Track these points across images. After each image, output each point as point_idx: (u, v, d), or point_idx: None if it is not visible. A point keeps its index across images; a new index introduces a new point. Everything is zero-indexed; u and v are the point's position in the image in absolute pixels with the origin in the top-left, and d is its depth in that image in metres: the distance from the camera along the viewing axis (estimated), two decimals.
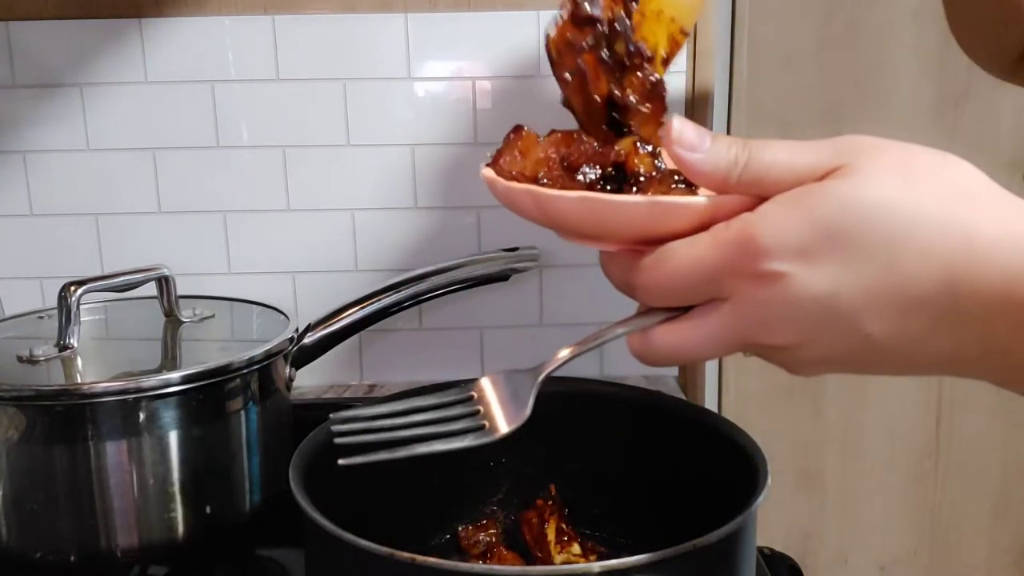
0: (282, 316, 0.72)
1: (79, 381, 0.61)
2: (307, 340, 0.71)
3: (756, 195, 0.35)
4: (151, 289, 0.70)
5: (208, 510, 0.63)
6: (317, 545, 0.48)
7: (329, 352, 0.72)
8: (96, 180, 0.89)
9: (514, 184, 0.38)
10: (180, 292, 0.71)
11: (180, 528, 0.62)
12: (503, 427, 0.43)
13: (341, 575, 0.47)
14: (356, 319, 0.72)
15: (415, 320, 0.92)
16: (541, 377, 0.43)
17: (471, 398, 0.45)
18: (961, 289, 0.33)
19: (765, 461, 0.52)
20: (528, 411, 0.42)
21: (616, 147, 0.39)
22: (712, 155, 0.35)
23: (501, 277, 0.77)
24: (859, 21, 1.06)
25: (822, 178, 0.34)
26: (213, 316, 0.72)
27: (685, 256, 0.35)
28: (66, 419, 0.58)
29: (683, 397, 0.90)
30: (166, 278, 0.70)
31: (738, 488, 0.50)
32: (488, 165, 0.41)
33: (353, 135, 0.89)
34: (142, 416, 0.59)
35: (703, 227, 0.35)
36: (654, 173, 0.38)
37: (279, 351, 0.66)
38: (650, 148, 0.38)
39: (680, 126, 0.36)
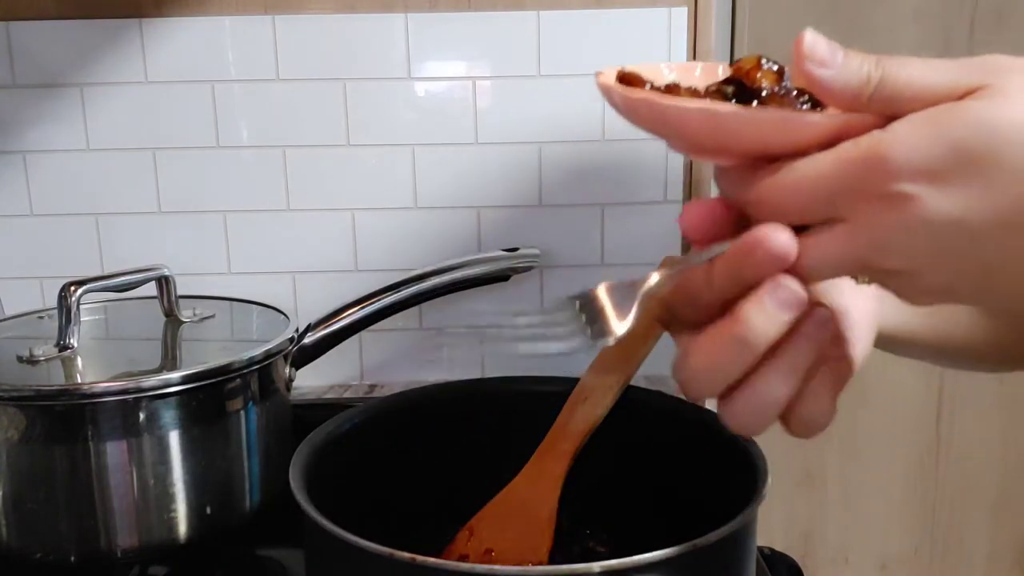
0: (282, 316, 0.72)
1: (79, 381, 0.61)
2: (307, 340, 0.71)
3: (889, 115, 0.33)
4: (151, 289, 0.70)
5: (208, 510, 0.63)
6: (317, 545, 0.48)
7: (329, 352, 0.72)
8: (96, 180, 0.89)
9: (632, 91, 0.36)
10: (180, 292, 0.71)
11: (180, 528, 0.62)
12: (616, 330, 0.40)
13: (341, 575, 0.47)
14: (356, 319, 0.72)
15: (415, 320, 0.92)
16: (641, 290, 0.40)
17: (578, 307, 0.44)
18: None
19: (765, 461, 0.52)
20: (632, 319, 0.40)
21: (737, 62, 0.38)
22: (844, 71, 0.33)
23: (501, 277, 0.77)
24: (859, 21, 1.06)
25: (961, 98, 0.32)
26: (213, 316, 0.72)
27: (807, 172, 0.34)
28: (66, 419, 0.58)
29: (683, 397, 0.90)
30: (166, 278, 0.70)
31: (738, 488, 0.50)
32: (601, 72, 0.39)
33: (353, 135, 0.89)
34: (142, 416, 0.59)
35: (829, 146, 0.34)
36: (777, 89, 0.36)
37: (279, 351, 0.67)
38: (775, 66, 0.37)
39: (812, 39, 0.34)
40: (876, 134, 0.33)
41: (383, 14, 0.87)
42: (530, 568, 0.54)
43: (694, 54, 0.89)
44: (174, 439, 0.60)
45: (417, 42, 0.88)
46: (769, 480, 0.50)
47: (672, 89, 0.37)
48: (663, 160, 0.90)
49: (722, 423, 0.40)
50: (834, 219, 0.34)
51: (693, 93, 0.37)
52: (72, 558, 0.60)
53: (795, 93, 0.37)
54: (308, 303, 0.89)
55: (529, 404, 0.64)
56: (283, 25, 0.87)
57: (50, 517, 0.59)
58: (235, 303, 0.76)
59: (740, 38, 1.06)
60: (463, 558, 0.58)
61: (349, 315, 0.72)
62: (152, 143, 0.89)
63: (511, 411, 0.65)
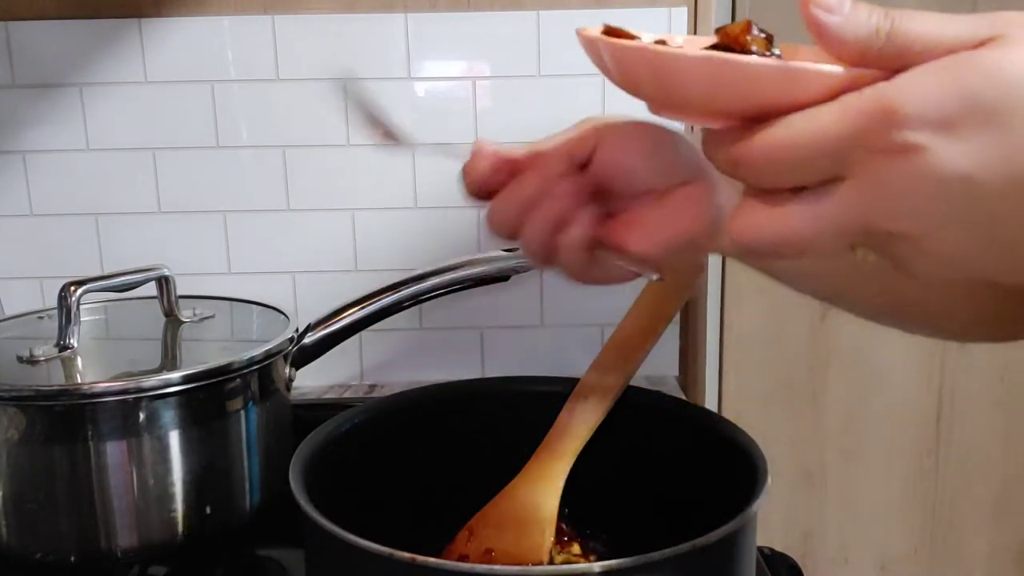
0: (282, 316, 0.72)
1: (79, 381, 0.61)
2: (307, 340, 0.71)
3: (897, 71, 0.31)
4: (151, 289, 0.70)
5: (208, 510, 0.63)
6: (317, 545, 0.48)
7: (329, 352, 0.72)
8: (96, 180, 0.89)
9: (626, 41, 0.34)
10: (180, 292, 0.71)
11: (180, 528, 0.62)
12: None
13: (341, 575, 0.47)
14: (356, 319, 0.72)
15: (415, 320, 0.92)
16: None
17: None
18: None
19: (765, 461, 0.52)
20: None
21: (724, 28, 0.36)
22: (852, 20, 0.31)
23: (501, 277, 0.76)
24: None
25: (975, 48, 0.31)
26: (213, 316, 0.72)
27: (806, 125, 0.31)
28: (66, 419, 0.58)
29: (683, 397, 0.90)
30: (166, 278, 0.70)
31: (738, 488, 0.50)
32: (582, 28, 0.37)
33: (353, 135, 0.89)
34: (142, 416, 0.59)
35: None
36: (768, 54, 0.34)
37: (279, 351, 0.67)
38: (764, 33, 0.35)
39: None
40: (882, 84, 0.31)
41: (383, 14, 0.87)
42: (530, 568, 0.54)
43: None
44: (174, 439, 0.60)
45: (417, 42, 0.88)
46: (769, 480, 0.50)
47: (659, 42, 0.36)
48: None
49: None
50: (835, 177, 0.32)
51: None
52: (72, 558, 0.60)
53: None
54: (308, 303, 0.89)
55: (529, 404, 0.64)
56: (283, 25, 0.87)
57: (50, 517, 0.59)
58: (235, 303, 0.76)
59: None
60: (463, 558, 0.58)
61: (349, 315, 0.72)
62: (152, 143, 0.89)
63: (511, 411, 0.65)
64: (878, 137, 0.30)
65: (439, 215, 0.91)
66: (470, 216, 0.91)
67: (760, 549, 0.62)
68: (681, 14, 0.87)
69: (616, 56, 0.35)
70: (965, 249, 0.32)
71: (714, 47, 0.35)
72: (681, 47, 0.38)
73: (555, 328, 0.92)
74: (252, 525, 0.66)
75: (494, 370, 0.93)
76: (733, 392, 1.13)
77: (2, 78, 0.87)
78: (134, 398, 0.59)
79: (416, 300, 0.73)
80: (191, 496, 0.61)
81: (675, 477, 0.60)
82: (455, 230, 0.91)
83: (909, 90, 0.30)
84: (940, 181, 0.30)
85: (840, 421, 1.15)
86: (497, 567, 0.50)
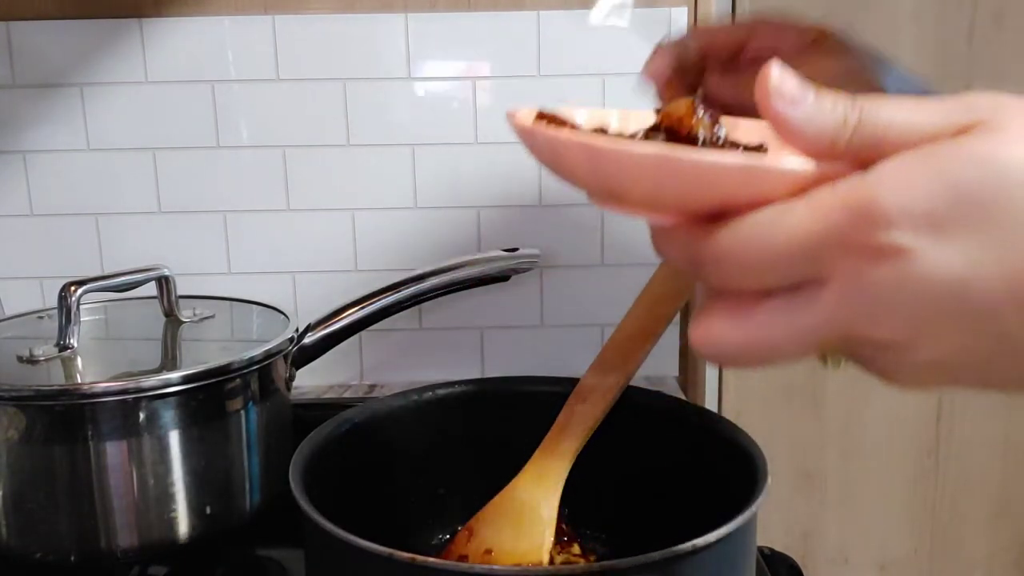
0: (282, 316, 0.72)
1: (79, 381, 0.61)
2: (307, 340, 0.71)
3: (866, 164, 0.28)
4: (151, 289, 0.70)
5: (208, 510, 0.63)
6: (317, 545, 0.48)
7: (329, 352, 0.72)
8: (96, 180, 0.89)
9: (563, 133, 0.30)
10: (180, 292, 0.71)
11: (180, 528, 0.62)
12: None
13: (341, 575, 0.47)
14: (356, 319, 0.72)
15: (415, 320, 0.92)
16: None
17: None
18: None
19: (765, 461, 0.52)
20: None
21: (666, 108, 0.33)
22: (817, 112, 0.28)
23: (501, 277, 0.76)
24: (858, 22, 1.06)
25: (953, 136, 0.28)
26: (213, 316, 0.72)
27: (777, 225, 0.28)
28: (66, 419, 0.58)
29: (683, 397, 0.90)
30: (166, 278, 0.70)
31: (738, 488, 0.50)
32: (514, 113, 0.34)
33: (353, 135, 0.89)
34: (142, 416, 0.59)
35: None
36: (713, 139, 0.31)
37: (279, 351, 0.67)
38: (709, 114, 0.32)
39: (780, 74, 0.28)
40: (859, 177, 0.27)
41: (383, 14, 0.87)
42: (530, 568, 0.54)
43: None
44: (174, 439, 0.60)
45: (417, 42, 0.88)
46: (769, 480, 0.50)
47: (598, 131, 0.32)
48: None
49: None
50: (810, 280, 0.28)
51: (630, 139, 0.32)
52: (72, 558, 0.60)
53: (736, 146, 0.32)
54: (308, 303, 0.89)
55: (529, 404, 0.64)
56: (283, 25, 0.87)
57: (50, 517, 0.59)
58: (235, 303, 0.76)
59: None
60: (463, 558, 0.58)
61: (349, 315, 0.72)
62: (152, 143, 0.89)
63: (511, 411, 0.65)
64: (858, 238, 0.27)
65: (439, 215, 0.91)
66: (470, 216, 0.91)
67: (760, 549, 0.62)
68: (681, 14, 0.87)
69: (553, 149, 0.31)
70: (959, 357, 0.29)
71: (655, 128, 0.32)
72: (620, 133, 0.36)
73: (555, 328, 0.92)
74: (252, 525, 0.66)
75: (494, 370, 0.93)
76: (733, 392, 1.13)
77: (2, 78, 0.87)
78: (134, 398, 0.59)
79: (416, 300, 0.73)
80: (191, 496, 0.61)
81: (675, 477, 0.60)
82: (455, 230, 0.91)
83: (890, 184, 0.27)
84: (929, 286, 0.27)
85: (840, 421, 1.15)
86: (497, 567, 0.50)
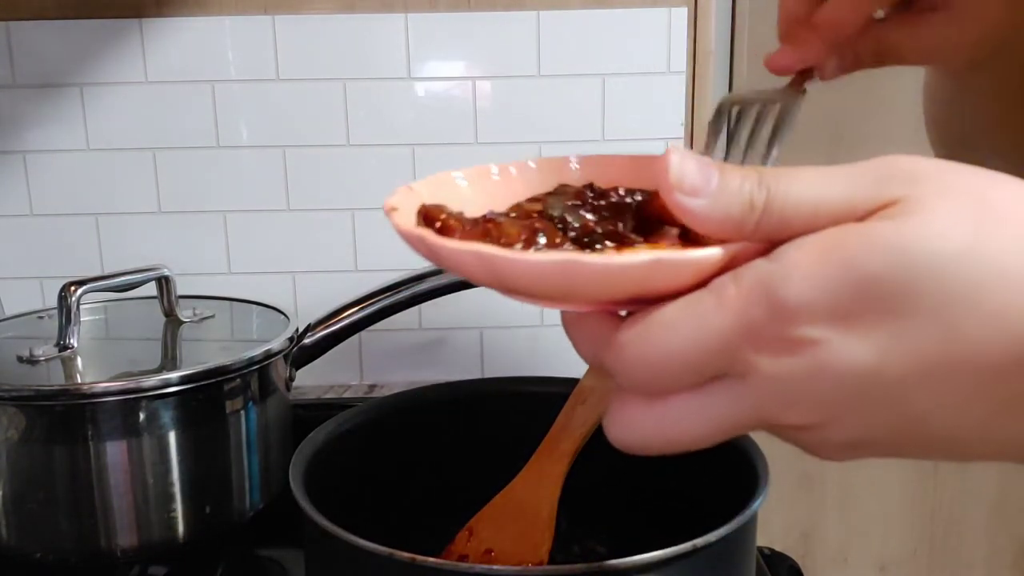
0: (282, 316, 0.72)
1: (79, 381, 0.61)
2: (307, 340, 0.71)
3: (778, 242, 0.27)
4: (151, 289, 0.70)
5: (208, 510, 0.63)
6: (317, 545, 0.48)
7: (329, 352, 0.72)
8: (96, 180, 0.89)
9: (453, 244, 0.29)
10: (180, 292, 0.71)
11: (180, 528, 0.62)
12: None
13: (341, 575, 0.47)
14: (356, 319, 0.72)
15: (415, 320, 0.92)
16: None
17: None
18: None
19: (765, 461, 0.52)
20: None
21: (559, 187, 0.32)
22: (722, 199, 0.27)
23: None
24: None
25: (864, 217, 0.27)
26: (213, 316, 0.72)
27: (685, 326, 0.27)
28: (66, 419, 0.58)
29: None
30: (166, 278, 0.70)
31: (738, 488, 0.50)
32: (394, 208, 0.33)
33: (353, 135, 0.89)
34: (142, 416, 0.59)
35: (707, 281, 0.28)
36: (593, 231, 0.31)
37: (279, 351, 0.67)
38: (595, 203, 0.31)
39: (680, 163, 0.27)
40: (761, 266, 0.27)
41: (383, 14, 0.87)
42: (530, 568, 0.54)
43: (694, 54, 0.89)
44: (174, 439, 0.60)
45: (417, 42, 0.88)
46: (769, 480, 0.50)
47: (488, 223, 0.31)
48: None
49: None
50: (721, 375, 0.28)
51: (523, 226, 0.31)
52: (72, 558, 0.60)
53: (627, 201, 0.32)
54: (308, 303, 0.89)
55: (529, 404, 0.64)
56: (283, 25, 0.87)
57: (50, 517, 0.59)
58: (235, 303, 0.76)
59: (740, 38, 1.06)
60: (463, 558, 0.58)
61: (349, 315, 0.72)
62: (152, 143, 0.89)
63: (511, 411, 0.65)
64: (766, 333, 0.26)
65: None
66: None
67: (760, 549, 0.62)
68: (681, 14, 0.87)
69: (446, 260, 0.30)
70: (877, 434, 0.28)
71: (554, 193, 0.32)
72: (496, 184, 0.36)
73: (555, 328, 0.92)
74: (252, 525, 0.66)
75: (494, 370, 0.93)
76: None
77: (2, 78, 0.87)
78: (134, 398, 0.59)
79: (416, 300, 0.73)
80: (191, 496, 0.61)
81: (675, 477, 0.60)
82: None
83: (793, 276, 0.26)
84: (840, 376, 0.26)
85: None
86: (497, 567, 0.50)
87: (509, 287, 0.29)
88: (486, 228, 0.30)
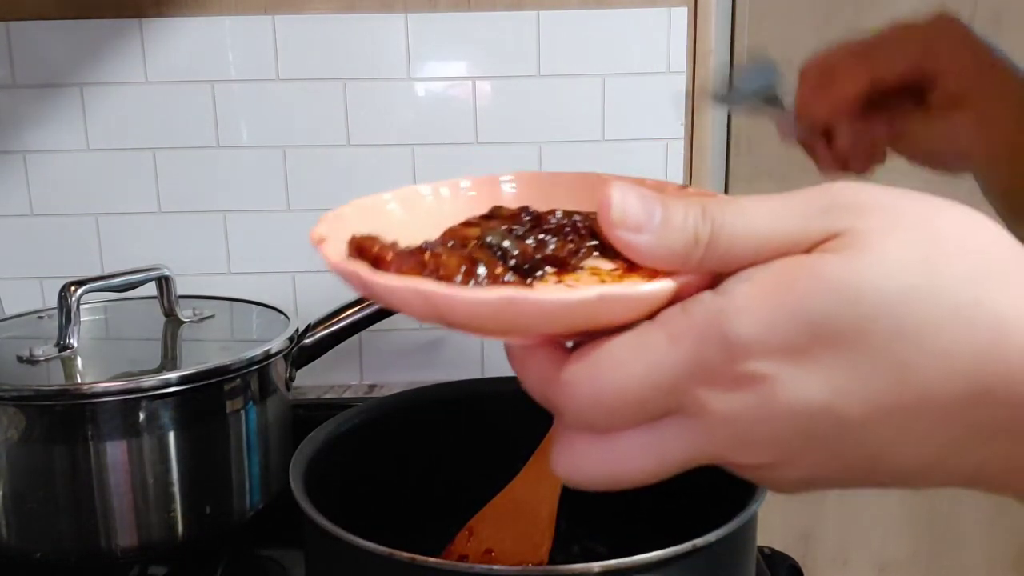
0: (282, 316, 0.72)
1: (79, 381, 0.61)
2: (307, 340, 0.71)
3: (724, 274, 0.27)
4: (151, 289, 0.70)
5: (208, 510, 0.63)
6: (317, 545, 0.48)
7: (329, 352, 0.72)
8: (96, 180, 0.89)
9: (391, 281, 0.28)
10: (180, 292, 0.71)
11: (180, 528, 0.62)
12: None
13: (341, 575, 0.47)
14: (356, 319, 0.72)
15: (415, 320, 0.92)
16: None
17: None
18: (992, 398, 0.26)
19: None
20: None
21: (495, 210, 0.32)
22: (666, 234, 0.27)
23: None
24: (859, 23, 1.06)
25: (811, 249, 0.26)
26: (213, 316, 0.72)
27: (635, 364, 0.26)
28: (66, 419, 0.58)
29: None
30: (166, 278, 0.70)
31: (738, 488, 0.50)
32: (322, 239, 0.31)
33: (353, 135, 0.89)
34: (142, 416, 0.59)
35: (655, 313, 0.27)
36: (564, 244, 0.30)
37: (279, 351, 0.67)
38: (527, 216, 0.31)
39: (621, 200, 0.27)
40: (711, 301, 0.26)
41: (383, 14, 0.87)
42: (530, 568, 0.54)
43: (694, 54, 0.89)
44: (174, 439, 0.60)
45: (417, 42, 0.88)
46: None
47: (424, 255, 0.30)
48: (663, 161, 0.90)
49: None
50: (670, 412, 0.27)
51: (458, 241, 0.31)
52: (72, 558, 0.60)
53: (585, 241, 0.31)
54: (308, 303, 0.89)
55: (529, 404, 0.63)
56: (283, 25, 0.87)
57: (50, 517, 0.59)
58: (235, 303, 0.76)
59: (740, 38, 1.06)
60: (463, 558, 0.58)
61: (349, 315, 0.72)
62: (152, 143, 0.89)
63: (511, 411, 0.65)
64: (715, 368, 0.26)
65: None
66: None
67: (760, 549, 0.62)
68: (681, 14, 0.87)
69: (384, 295, 0.28)
70: (830, 471, 0.28)
71: (489, 216, 0.31)
72: (429, 205, 0.35)
73: None
74: (252, 525, 0.66)
75: (494, 370, 0.93)
76: None
77: (2, 78, 0.87)
78: (134, 398, 0.59)
79: None
80: (191, 496, 0.61)
81: (675, 477, 0.60)
82: None
83: (743, 313, 0.26)
84: (792, 412, 0.26)
85: None
86: (497, 567, 0.50)
87: (450, 322, 0.28)
88: (422, 260, 0.29)
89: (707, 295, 0.27)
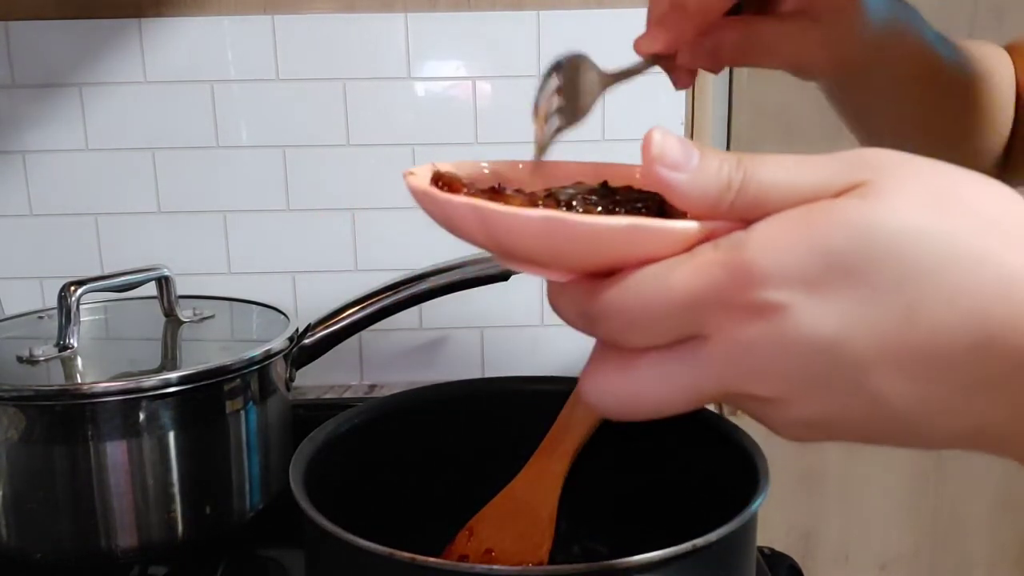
0: (282, 316, 0.72)
1: (79, 381, 0.61)
2: (307, 340, 0.71)
3: (753, 221, 0.29)
4: (151, 289, 0.70)
5: (208, 510, 0.63)
6: (317, 545, 0.48)
7: (329, 352, 0.72)
8: (96, 180, 0.89)
9: (453, 197, 0.31)
10: (180, 292, 0.71)
11: (180, 528, 0.62)
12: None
13: (341, 575, 0.47)
14: (356, 319, 0.72)
15: (415, 320, 0.92)
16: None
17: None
18: (996, 348, 0.27)
19: (765, 461, 0.52)
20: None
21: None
22: (701, 176, 0.29)
23: (501, 277, 0.76)
24: None
25: (835, 197, 0.28)
26: (213, 316, 0.72)
27: (661, 282, 0.28)
28: (66, 419, 0.58)
29: None
30: (166, 278, 0.70)
31: (738, 488, 0.50)
32: (411, 173, 0.35)
33: (353, 135, 0.89)
34: (142, 416, 0.59)
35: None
36: (590, 199, 0.32)
37: (279, 351, 0.67)
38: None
39: (662, 140, 0.29)
40: (737, 235, 0.28)
41: (383, 14, 0.87)
42: (530, 568, 0.54)
43: None
44: (174, 439, 0.60)
45: (417, 42, 0.88)
46: (769, 480, 0.50)
47: (496, 193, 0.33)
48: None
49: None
50: (691, 336, 0.29)
51: (526, 198, 0.33)
52: (72, 558, 0.60)
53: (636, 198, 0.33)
54: (308, 303, 0.89)
55: (529, 404, 0.64)
56: (283, 25, 0.87)
57: (50, 517, 0.59)
58: (235, 303, 0.76)
59: None
60: (463, 558, 0.58)
61: (349, 315, 0.72)
62: (152, 143, 0.89)
63: (511, 411, 0.65)
64: (735, 295, 0.28)
65: None
66: None
67: (760, 549, 0.62)
68: None
69: (447, 212, 0.32)
70: (834, 416, 0.29)
71: (547, 197, 0.33)
72: (521, 174, 0.37)
73: (555, 328, 0.92)
74: (252, 525, 0.66)
75: (494, 370, 0.93)
76: None
77: (2, 78, 0.87)
78: (134, 398, 0.59)
79: (416, 300, 0.73)
80: (191, 496, 0.61)
81: (675, 477, 0.60)
82: None
83: (764, 245, 0.27)
84: (804, 344, 0.27)
85: None
86: (497, 567, 0.50)
87: (500, 242, 0.30)
88: (491, 196, 0.32)
89: (737, 232, 0.28)
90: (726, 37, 0.48)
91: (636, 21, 0.86)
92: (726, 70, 1.05)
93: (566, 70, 0.35)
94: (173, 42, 0.87)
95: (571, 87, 0.34)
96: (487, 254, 0.82)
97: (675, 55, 0.47)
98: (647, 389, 0.30)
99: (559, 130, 0.33)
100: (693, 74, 0.51)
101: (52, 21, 0.86)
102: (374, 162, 0.90)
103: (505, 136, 0.89)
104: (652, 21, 0.48)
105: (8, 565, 0.62)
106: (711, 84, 0.91)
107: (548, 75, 0.35)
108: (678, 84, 0.51)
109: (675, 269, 0.28)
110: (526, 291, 0.91)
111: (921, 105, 0.55)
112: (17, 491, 0.59)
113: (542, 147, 0.35)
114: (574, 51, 0.36)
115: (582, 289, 0.30)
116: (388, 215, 0.91)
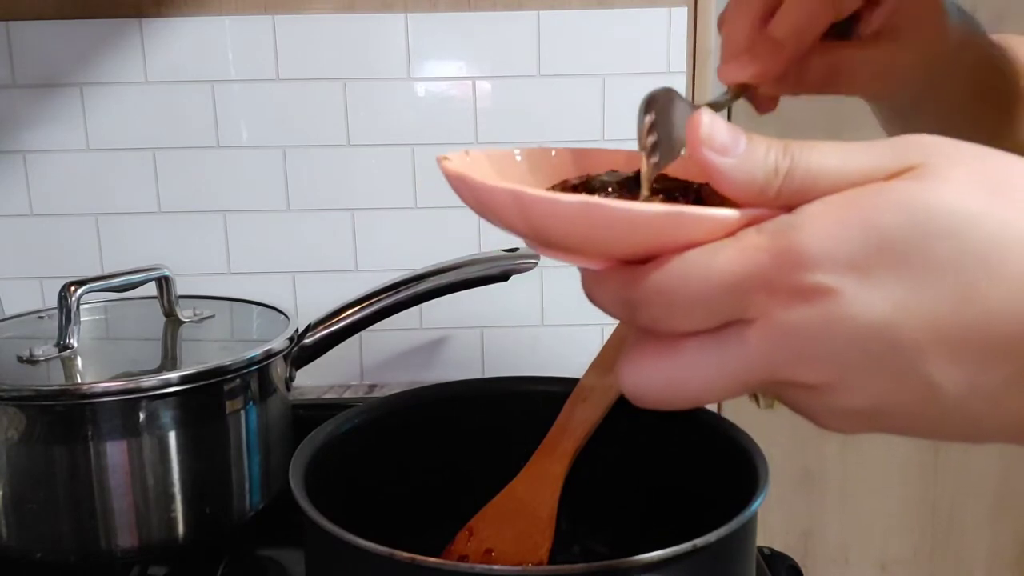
0: (282, 316, 0.72)
1: (79, 381, 0.61)
2: (307, 340, 0.71)
3: (798, 207, 0.28)
4: (151, 289, 0.70)
5: (208, 510, 0.63)
6: (317, 545, 0.48)
7: (329, 352, 0.72)
8: (96, 180, 0.89)
9: (491, 183, 0.30)
10: (180, 292, 0.71)
11: (180, 528, 0.62)
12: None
13: (341, 575, 0.47)
14: (356, 319, 0.72)
15: (415, 320, 0.92)
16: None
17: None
18: None
19: (765, 461, 0.52)
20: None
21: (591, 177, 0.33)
22: (748, 161, 0.28)
23: (501, 277, 0.76)
24: None
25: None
26: (213, 316, 0.72)
27: (705, 265, 0.27)
28: (66, 419, 0.58)
29: None
30: (166, 278, 0.70)
31: (738, 488, 0.50)
32: (445, 158, 0.34)
33: (353, 135, 0.89)
34: (142, 416, 0.59)
35: None
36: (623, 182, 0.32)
37: (279, 351, 0.67)
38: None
39: (710, 122, 0.28)
40: (784, 218, 0.27)
41: (383, 14, 0.87)
42: (530, 568, 0.54)
43: (694, 54, 0.89)
44: (174, 439, 0.60)
45: (417, 42, 0.88)
46: (769, 480, 0.50)
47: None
48: None
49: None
50: (736, 321, 0.28)
51: (560, 185, 0.32)
52: (72, 558, 0.60)
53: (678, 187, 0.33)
54: (308, 303, 0.89)
55: (529, 404, 0.64)
56: (283, 25, 0.87)
57: (50, 517, 0.59)
58: (235, 303, 0.76)
59: None
60: (463, 558, 0.58)
61: (349, 315, 0.72)
62: (152, 143, 0.89)
63: (511, 411, 0.65)
64: (782, 279, 0.27)
65: (439, 215, 0.91)
66: (470, 216, 0.90)
67: (760, 549, 0.62)
68: (681, 14, 0.87)
69: (483, 197, 0.31)
70: (885, 404, 0.28)
71: (581, 185, 0.32)
72: (553, 162, 0.36)
73: (555, 328, 0.92)
74: (252, 525, 0.66)
75: (494, 370, 0.93)
76: None
77: (2, 78, 0.87)
78: (134, 398, 0.59)
79: (416, 300, 0.73)
80: (191, 496, 0.61)
81: (675, 477, 0.60)
82: (455, 230, 0.91)
83: (813, 227, 0.27)
84: (854, 328, 0.27)
85: None
86: (497, 567, 0.50)
87: (537, 228, 0.29)
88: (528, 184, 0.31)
89: (783, 216, 0.28)
90: (812, 65, 0.47)
91: (636, 21, 0.85)
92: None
93: (658, 106, 0.35)
94: (174, 42, 0.87)
95: (664, 122, 0.34)
96: (487, 254, 0.82)
97: (749, 87, 0.47)
98: (690, 375, 0.29)
99: (658, 165, 0.33)
100: (776, 100, 0.49)
101: (52, 21, 0.87)
102: (374, 162, 0.90)
103: (505, 136, 0.89)
104: (737, 50, 0.46)
105: (8, 565, 0.62)
106: (711, 84, 0.91)
107: (642, 112, 0.34)
108: (760, 109, 0.50)
109: (719, 252, 0.28)
110: (526, 291, 0.91)
111: (981, 103, 0.54)
112: (17, 491, 0.59)
113: (649, 182, 0.34)
114: (662, 87, 0.35)
115: (622, 276, 0.29)
116: (388, 215, 0.91)
